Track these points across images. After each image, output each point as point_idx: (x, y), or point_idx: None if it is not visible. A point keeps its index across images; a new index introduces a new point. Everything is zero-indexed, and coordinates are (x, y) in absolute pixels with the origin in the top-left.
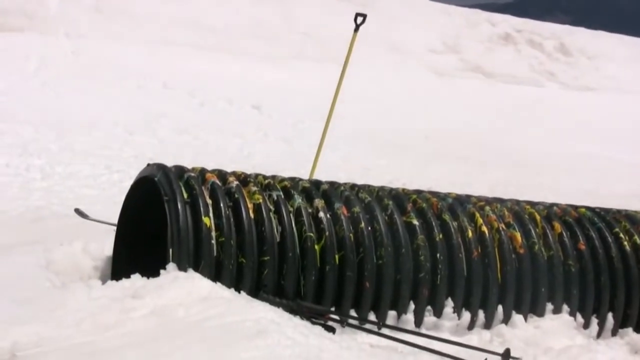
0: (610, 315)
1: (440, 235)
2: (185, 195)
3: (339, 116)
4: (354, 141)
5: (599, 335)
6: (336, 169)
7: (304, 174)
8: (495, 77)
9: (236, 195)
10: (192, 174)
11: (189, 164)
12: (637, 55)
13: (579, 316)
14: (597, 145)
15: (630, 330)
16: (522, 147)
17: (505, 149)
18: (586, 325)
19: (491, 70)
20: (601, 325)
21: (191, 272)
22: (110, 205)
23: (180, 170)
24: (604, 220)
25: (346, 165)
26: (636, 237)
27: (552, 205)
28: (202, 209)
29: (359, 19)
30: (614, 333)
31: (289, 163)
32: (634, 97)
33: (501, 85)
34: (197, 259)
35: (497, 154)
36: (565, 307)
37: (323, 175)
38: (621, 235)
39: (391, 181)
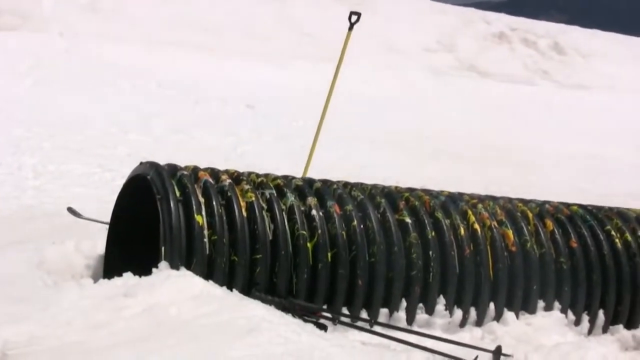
0: (601, 312)
1: (433, 233)
2: (177, 194)
3: (333, 115)
4: (348, 140)
5: (590, 332)
6: (330, 168)
7: (298, 172)
8: (490, 75)
9: (229, 194)
10: (185, 172)
11: (182, 163)
12: (632, 54)
13: (570, 313)
14: (591, 144)
15: (621, 327)
16: (516, 145)
17: (499, 148)
18: (577, 322)
19: (485, 69)
20: (592, 322)
21: (183, 271)
22: (103, 204)
23: (173, 168)
24: (596, 217)
25: (340, 163)
26: (628, 234)
27: (545, 203)
28: (194, 207)
29: (354, 18)
30: (605, 330)
31: (283, 162)
32: (628, 96)
33: (495, 83)
34: (189, 257)
35: (492, 153)
36: (556, 304)
37: (317, 173)
38: (613, 232)
39: (385, 179)
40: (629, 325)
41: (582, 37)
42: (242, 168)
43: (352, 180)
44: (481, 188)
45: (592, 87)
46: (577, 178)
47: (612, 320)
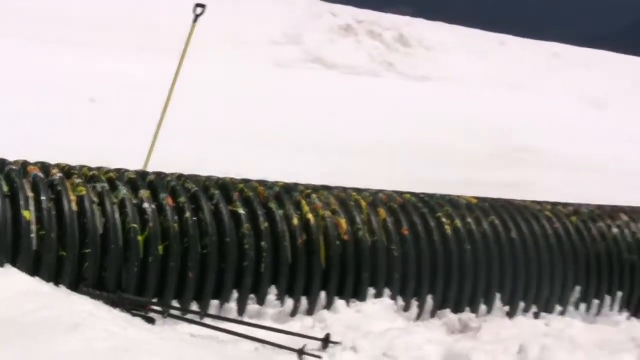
0: (430, 298)
1: (266, 224)
2: (5, 189)
3: (177, 109)
4: (191, 133)
5: (418, 317)
6: (172, 161)
7: (139, 166)
8: (336, 68)
9: (59, 188)
10: (14, 167)
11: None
12: (475, 47)
13: (400, 300)
14: (432, 134)
15: (448, 311)
16: (359, 136)
17: (342, 138)
18: (407, 308)
19: (332, 61)
20: (421, 307)
21: (8, 267)
22: None
23: (0, 163)
24: (428, 205)
25: (183, 157)
26: (458, 221)
27: (379, 192)
28: (22, 202)
29: (199, 10)
30: (433, 315)
31: (125, 156)
32: (470, 88)
33: (341, 75)
34: (15, 254)
35: (335, 143)
36: (387, 292)
37: (159, 167)
38: (443, 219)
39: (226, 172)
40: (456, 310)
41: (427, 29)
42: (82, 163)
43: (193, 173)
44: (321, 178)
45: (436, 78)
46: (418, 167)
47: (440, 305)
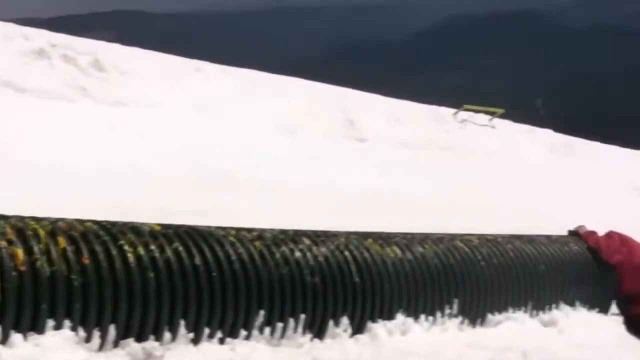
0: (112, 327)
1: None
2: None
3: None
4: None
5: (101, 347)
6: None
7: None
8: (28, 92)
9: None
10: None
11: None
12: (171, 73)
13: (81, 330)
14: (128, 160)
15: (131, 340)
16: (55, 161)
17: (35, 165)
18: (88, 339)
19: (23, 86)
20: (103, 337)
21: None
22: None
23: None
24: (110, 233)
25: None
26: (140, 248)
27: (58, 220)
28: None
29: None
30: (115, 344)
31: None
32: (166, 114)
33: (34, 100)
34: None
35: (25, 170)
36: (67, 322)
37: None
38: (126, 247)
39: None
40: (139, 338)
41: (123, 54)
42: None
43: None
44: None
45: (131, 104)
46: (113, 193)
47: (123, 335)
